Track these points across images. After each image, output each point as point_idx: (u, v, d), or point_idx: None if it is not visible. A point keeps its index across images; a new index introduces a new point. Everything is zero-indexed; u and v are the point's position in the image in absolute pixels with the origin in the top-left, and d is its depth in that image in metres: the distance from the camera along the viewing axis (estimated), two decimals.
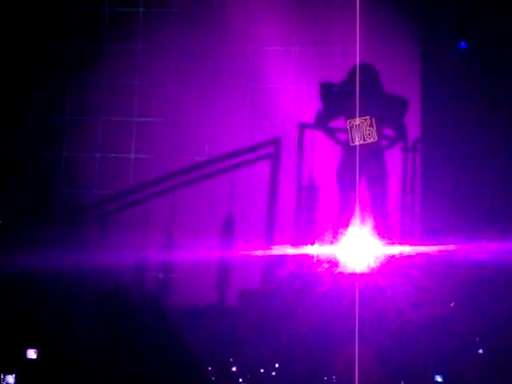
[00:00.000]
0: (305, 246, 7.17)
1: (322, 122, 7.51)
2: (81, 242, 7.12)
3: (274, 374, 6.86)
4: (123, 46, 7.52)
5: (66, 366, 6.35)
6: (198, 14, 7.50)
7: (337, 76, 7.45)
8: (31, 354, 6.48)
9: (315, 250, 7.13)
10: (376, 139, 7.21)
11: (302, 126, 7.53)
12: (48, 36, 7.39)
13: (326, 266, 7.06)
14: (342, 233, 7.15)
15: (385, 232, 7.10)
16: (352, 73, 7.29)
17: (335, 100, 7.47)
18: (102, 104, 7.48)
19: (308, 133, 7.55)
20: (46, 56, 7.40)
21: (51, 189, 7.33)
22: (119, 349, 6.69)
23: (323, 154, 7.48)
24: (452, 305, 6.88)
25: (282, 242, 7.28)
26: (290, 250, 7.22)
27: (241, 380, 6.80)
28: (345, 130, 7.30)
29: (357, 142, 7.20)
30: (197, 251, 7.17)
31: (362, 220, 7.14)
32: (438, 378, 6.54)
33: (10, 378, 6.31)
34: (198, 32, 7.49)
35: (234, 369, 6.91)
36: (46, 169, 7.34)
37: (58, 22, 7.42)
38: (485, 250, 6.84)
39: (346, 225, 7.17)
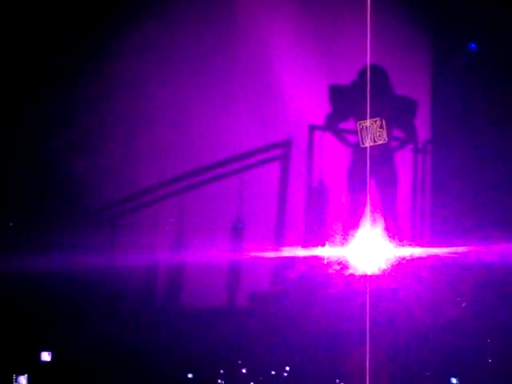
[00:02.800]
0: (315, 248, 7.16)
1: (332, 123, 7.50)
2: (91, 243, 7.12)
3: (285, 375, 6.86)
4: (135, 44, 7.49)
5: (80, 368, 6.36)
6: (208, 15, 7.49)
7: (347, 78, 7.44)
8: (45, 356, 6.48)
9: (325, 251, 7.12)
10: (386, 141, 7.20)
11: (312, 128, 7.52)
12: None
13: (336, 267, 7.05)
14: (352, 234, 7.14)
15: (395, 234, 7.10)
16: (362, 74, 7.28)
17: (345, 102, 7.46)
18: (110, 106, 7.47)
19: (318, 134, 7.54)
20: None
21: (61, 191, 7.32)
22: (127, 350, 6.70)
23: (333, 155, 7.47)
24: (463, 305, 6.87)
25: (292, 244, 7.28)
26: (300, 252, 7.21)
27: (252, 383, 6.79)
28: (355, 132, 7.29)
29: (367, 144, 7.19)
30: (206, 253, 7.16)
31: (373, 222, 7.13)
32: (454, 380, 6.54)
33: (23, 379, 6.31)
34: (207, 33, 7.48)
35: (244, 371, 6.91)
36: (57, 172, 7.34)
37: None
38: (496, 251, 6.83)
39: (356, 226, 7.16)
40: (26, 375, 6.29)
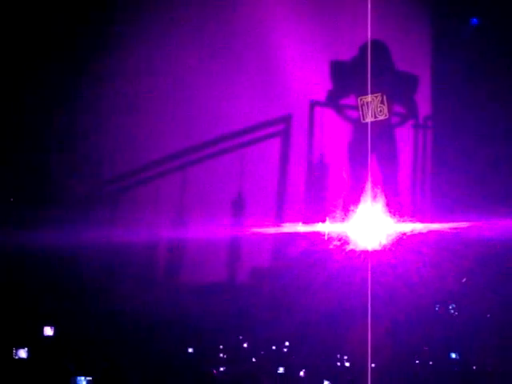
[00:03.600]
0: (316, 224, 7.16)
1: (333, 99, 7.48)
2: (94, 219, 7.12)
3: (285, 350, 6.88)
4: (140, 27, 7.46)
5: (81, 343, 6.38)
6: None
7: (348, 53, 7.41)
8: (48, 331, 6.49)
9: (326, 227, 7.12)
10: (387, 116, 7.18)
11: (313, 104, 7.50)
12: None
13: (337, 243, 7.05)
14: (353, 210, 7.14)
15: (396, 209, 7.09)
16: (363, 50, 7.24)
17: (346, 77, 7.43)
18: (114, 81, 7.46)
19: (319, 110, 7.52)
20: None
21: (64, 168, 7.33)
22: (129, 325, 6.73)
23: (334, 131, 7.46)
24: (464, 280, 6.89)
25: (293, 220, 7.28)
26: (301, 228, 7.21)
27: (254, 359, 6.80)
28: (356, 107, 7.27)
29: (368, 119, 7.17)
30: (208, 229, 7.16)
31: (374, 197, 7.12)
32: (453, 355, 6.55)
33: (23, 353, 6.31)
34: (209, 7, 7.44)
35: (245, 345, 6.93)
36: (60, 149, 7.35)
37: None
38: (496, 227, 6.83)
39: (357, 202, 7.16)
40: (25, 349, 6.30)
